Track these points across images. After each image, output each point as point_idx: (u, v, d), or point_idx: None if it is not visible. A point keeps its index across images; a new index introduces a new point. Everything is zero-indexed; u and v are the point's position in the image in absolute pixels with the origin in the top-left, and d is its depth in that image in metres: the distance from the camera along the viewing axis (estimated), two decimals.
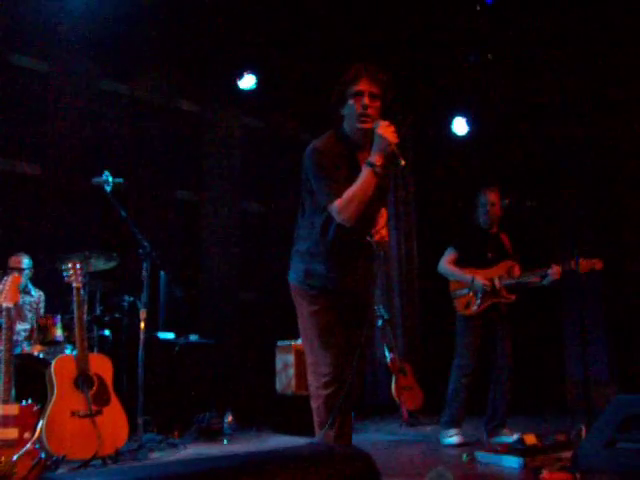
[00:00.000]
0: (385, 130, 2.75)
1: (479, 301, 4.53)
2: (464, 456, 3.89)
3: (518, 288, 4.60)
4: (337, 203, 2.78)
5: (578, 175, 6.99)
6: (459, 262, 4.66)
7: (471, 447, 4.23)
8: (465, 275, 4.58)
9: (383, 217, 3.05)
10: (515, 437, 4.37)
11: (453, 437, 4.47)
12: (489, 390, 4.63)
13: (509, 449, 3.71)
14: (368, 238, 2.89)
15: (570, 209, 7.01)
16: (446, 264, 4.69)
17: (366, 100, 2.82)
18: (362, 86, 2.85)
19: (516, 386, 4.66)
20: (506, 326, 4.64)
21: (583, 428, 3.87)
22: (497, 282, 4.53)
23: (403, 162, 2.75)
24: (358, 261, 2.97)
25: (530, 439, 3.70)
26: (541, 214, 6.30)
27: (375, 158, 2.75)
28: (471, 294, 4.56)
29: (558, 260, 4.47)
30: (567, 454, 3.52)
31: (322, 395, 2.91)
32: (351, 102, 2.87)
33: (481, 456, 3.82)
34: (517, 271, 4.60)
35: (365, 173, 2.76)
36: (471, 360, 4.55)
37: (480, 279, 4.51)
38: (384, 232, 2.94)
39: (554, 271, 4.41)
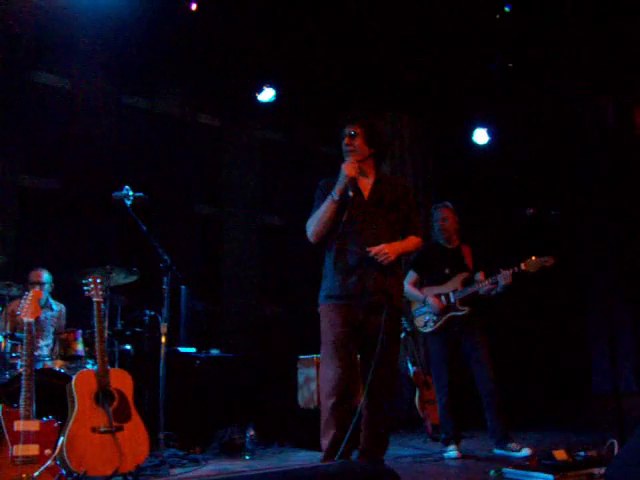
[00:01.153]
0: (346, 166, 3.34)
1: (435, 317, 4.65)
2: (491, 472, 3.79)
3: (474, 299, 4.62)
4: (308, 222, 3.47)
5: (601, 183, 6.88)
6: (421, 282, 4.81)
7: (482, 461, 4.22)
8: (420, 295, 4.73)
9: (406, 242, 3.42)
10: (524, 452, 4.44)
11: (452, 452, 4.54)
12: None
13: (539, 465, 3.60)
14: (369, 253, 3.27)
15: (592, 217, 6.91)
16: (407, 286, 4.78)
17: (346, 141, 3.44)
18: (345, 129, 3.47)
19: (543, 399, 4.59)
20: (476, 338, 4.64)
21: (615, 443, 3.76)
22: (452, 297, 4.63)
23: (351, 193, 3.32)
24: (364, 269, 3.28)
25: (560, 455, 3.58)
26: (564, 223, 6.21)
27: (336, 189, 3.33)
28: (428, 312, 4.68)
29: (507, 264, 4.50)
30: (599, 470, 3.41)
31: (325, 406, 3.23)
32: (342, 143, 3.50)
33: (509, 472, 3.71)
34: (480, 279, 4.64)
35: (327, 201, 3.35)
36: (444, 377, 4.64)
37: (431, 299, 4.64)
38: (380, 248, 3.25)
39: (503, 276, 4.45)
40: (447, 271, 4.71)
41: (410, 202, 3.54)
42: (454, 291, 4.63)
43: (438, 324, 4.63)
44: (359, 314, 3.28)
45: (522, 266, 4.40)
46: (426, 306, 4.68)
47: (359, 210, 3.36)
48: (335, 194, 3.32)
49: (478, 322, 4.68)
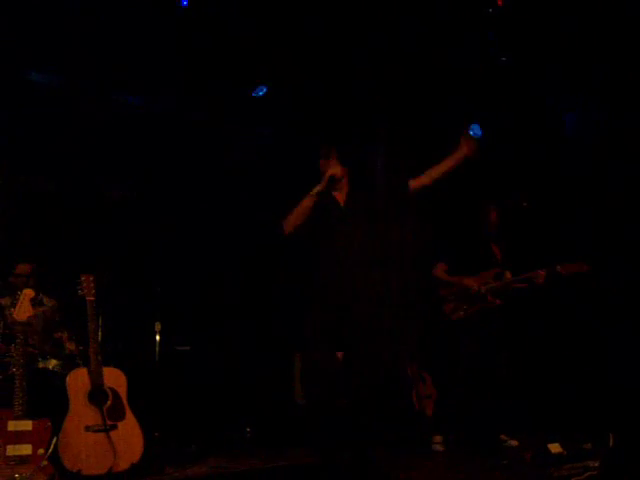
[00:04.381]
0: (328, 169, 3.66)
1: (465, 306, 4.73)
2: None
3: (503, 292, 4.71)
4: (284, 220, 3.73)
5: (587, 179, 6.85)
6: (450, 271, 4.90)
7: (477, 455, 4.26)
8: (450, 281, 4.83)
9: None
10: (511, 443, 4.56)
11: (436, 444, 4.67)
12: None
13: (534, 458, 3.61)
14: None
15: (576, 212, 6.87)
16: (437, 272, 4.94)
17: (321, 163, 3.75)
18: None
19: (536, 394, 4.63)
20: (501, 336, 4.73)
21: (610, 435, 3.76)
22: (482, 287, 4.71)
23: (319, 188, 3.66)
24: (349, 265, 3.51)
25: (555, 448, 3.60)
26: (546, 217, 6.20)
27: (316, 187, 3.62)
28: (457, 299, 4.77)
29: (544, 264, 4.58)
30: (594, 463, 3.41)
31: (310, 404, 3.53)
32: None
33: None
34: (507, 277, 4.75)
35: (305, 197, 3.62)
36: (468, 365, 4.69)
37: (464, 281, 4.75)
38: None
39: (538, 275, 4.53)
40: (479, 264, 4.81)
41: None
42: (485, 283, 4.72)
43: (468, 311, 4.71)
44: (343, 309, 3.40)
45: (558, 268, 4.48)
46: (456, 292, 4.77)
47: (338, 218, 3.63)
48: (312, 191, 3.60)
49: (505, 324, 4.77)
